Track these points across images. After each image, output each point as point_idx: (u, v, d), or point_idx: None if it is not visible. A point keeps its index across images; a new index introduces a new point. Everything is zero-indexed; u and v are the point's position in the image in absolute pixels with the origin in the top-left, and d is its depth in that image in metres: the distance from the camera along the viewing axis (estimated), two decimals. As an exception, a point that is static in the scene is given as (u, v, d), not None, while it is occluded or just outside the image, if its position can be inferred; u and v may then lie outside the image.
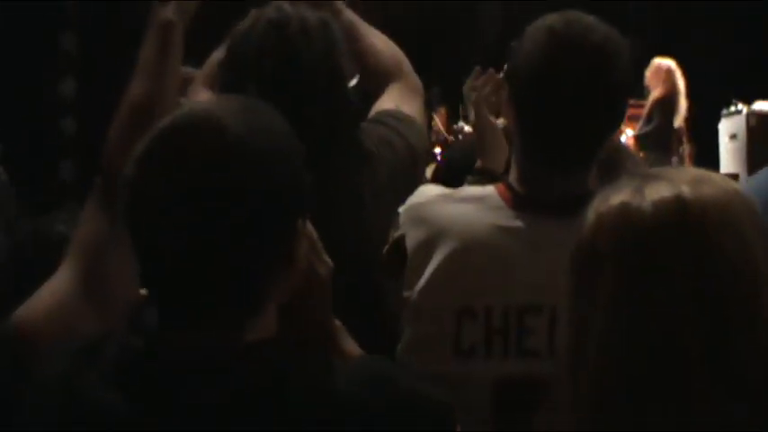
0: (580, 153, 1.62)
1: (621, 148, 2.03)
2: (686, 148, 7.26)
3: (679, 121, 7.08)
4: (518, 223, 1.59)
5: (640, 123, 7.14)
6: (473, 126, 1.94)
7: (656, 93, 7.09)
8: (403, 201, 1.69)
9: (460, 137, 6.50)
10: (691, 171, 1.11)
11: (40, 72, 7.16)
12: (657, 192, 1.05)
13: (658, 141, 6.97)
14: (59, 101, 7.31)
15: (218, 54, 2.21)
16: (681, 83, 7.08)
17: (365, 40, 2.15)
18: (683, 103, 7.05)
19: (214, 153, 1.10)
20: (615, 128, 1.64)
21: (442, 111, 7.60)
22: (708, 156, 7.20)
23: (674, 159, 7.00)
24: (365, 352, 1.35)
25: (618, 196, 1.08)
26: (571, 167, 1.62)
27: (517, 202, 1.61)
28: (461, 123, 6.87)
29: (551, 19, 1.61)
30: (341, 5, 2.16)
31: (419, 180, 1.92)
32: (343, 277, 1.34)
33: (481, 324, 1.55)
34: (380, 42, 2.17)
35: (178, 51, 1.70)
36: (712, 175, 1.11)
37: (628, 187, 1.08)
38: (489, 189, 1.66)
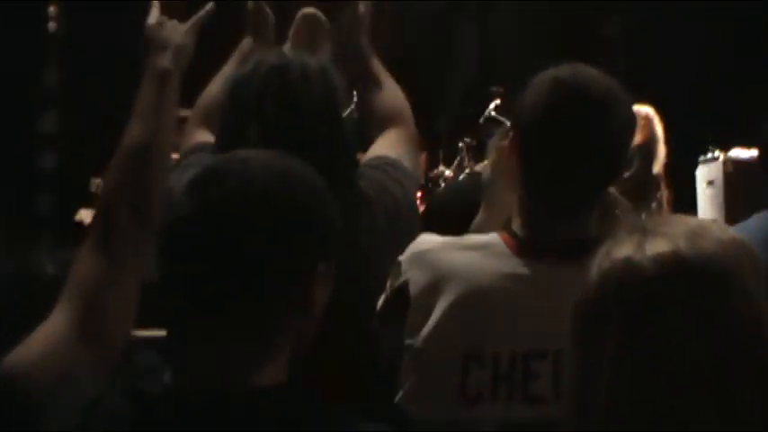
0: (582, 199, 1.67)
1: (613, 194, 2.05)
2: (664, 194, 7.32)
3: (657, 167, 7.13)
4: (522, 269, 1.62)
5: (619, 169, 7.17)
6: (486, 187, 1.96)
7: (635, 139, 7.14)
8: (399, 250, 1.72)
9: (442, 183, 6.52)
10: (688, 223, 1.15)
11: (21, 107, 7.14)
12: (657, 247, 1.10)
13: (637, 187, 7.02)
14: (39, 135, 7.29)
15: (208, 94, 2.22)
16: (659, 129, 7.15)
17: (369, 85, 2.18)
18: (661, 150, 7.11)
19: (238, 202, 1.16)
20: (617, 175, 1.68)
21: (422, 157, 7.62)
22: (685, 202, 7.26)
23: (653, 205, 7.04)
24: (360, 400, 1.36)
25: (620, 251, 1.12)
26: (573, 213, 1.66)
27: (521, 248, 1.65)
28: (442, 168, 6.88)
29: (556, 70, 1.66)
30: (362, 37, 2.20)
31: (416, 231, 1.94)
32: (335, 321, 1.34)
33: (488, 369, 1.58)
34: (388, 85, 2.20)
35: (175, 97, 1.75)
36: (709, 225, 1.15)
37: (629, 242, 1.13)
38: (493, 236, 1.69)
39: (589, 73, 1.66)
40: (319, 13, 2.16)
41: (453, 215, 2.17)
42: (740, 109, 7.65)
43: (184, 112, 2.31)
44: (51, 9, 7.33)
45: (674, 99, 7.82)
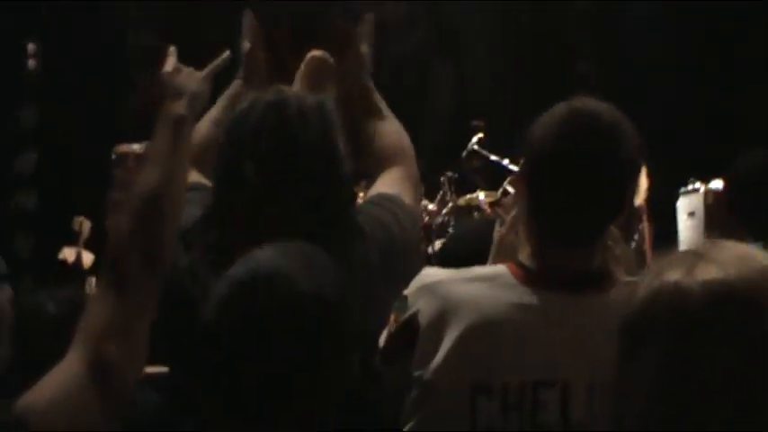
0: (589, 230, 1.69)
1: (612, 230, 2.05)
2: (645, 226, 7.35)
3: (639, 199, 7.17)
4: (531, 300, 1.63)
5: (601, 201, 7.21)
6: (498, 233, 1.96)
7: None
8: (395, 286, 1.72)
9: (426, 216, 6.52)
10: (737, 250, 1.19)
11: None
12: (707, 273, 1.14)
13: (623, 222, 7.05)
14: (18, 175, 7.25)
15: (195, 136, 2.21)
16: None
17: (370, 123, 2.19)
18: (643, 182, 7.15)
19: (286, 305, 1.31)
20: (623, 207, 1.68)
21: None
22: (666, 233, 7.29)
23: (635, 237, 7.07)
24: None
25: (671, 274, 1.16)
26: (580, 244, 1.68)
27: (529, 278, 1.65)
28: (425, 202, 6.88)
29: (567, 103, 1.69)
30: (365, 77, 2.23)
31: (414, 266, 1.93)
32: None
33: (497, 400, 1.58)
34: (389, 123, 2.21)
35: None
36: (756, 253, 1.19)
37: (681, 265, 1.16)
38: (500, 267, 1.70)
39: (598, 105, 1.68)
40: (327, 56, 2.17)
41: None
42: (721, 140, 7.73)
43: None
44: (30, 47, 7.31)
45: (655, 131, 7.88)
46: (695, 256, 1.17)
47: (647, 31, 8.16)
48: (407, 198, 2.06)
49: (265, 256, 1.38)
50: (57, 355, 1.49)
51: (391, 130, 2.20)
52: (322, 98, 1.94)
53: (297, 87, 2.13)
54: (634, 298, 1.18)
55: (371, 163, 2.14)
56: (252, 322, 1.30)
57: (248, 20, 2.26)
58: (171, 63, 1.85)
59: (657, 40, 8.05)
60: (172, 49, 1.89)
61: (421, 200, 2.17)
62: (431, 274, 1.71)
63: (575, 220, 1.66)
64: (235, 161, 1.82)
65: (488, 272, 1.71)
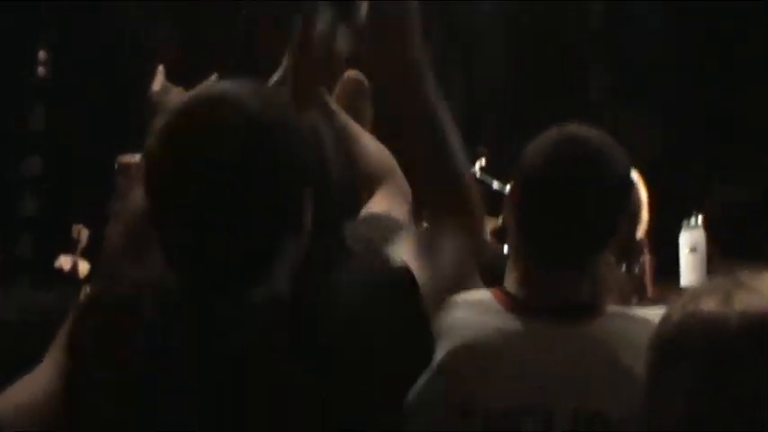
0: (576, 256, 1.68)
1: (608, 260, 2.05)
2: (647, 260, 7.32)
3: (641, 232, 7.14)
4: (515, 327, 1.63)
5: (603, 232, 7.19)
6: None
7: (618, 203, 7.16)
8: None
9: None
10: None
11: (5, 150, 7.12)
12: (746, 303, 1.14)
13: (622, 252, 7.02)
14: (23, 179, 7.26)
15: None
16: (643, 194, 7.16)
17: (356, 144, 2.17)
18: (644, 215, 7.13)
19: (234, 126, 1.21)
20: (613, 233, 1.68)
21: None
22: (668, 268, 7.26)
23: (636, 270, 7.03)
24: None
25: (709, 301, 1.16)
26: (568, 270, 1.67)
27: (514, 305, 1.66)
28: (426, 225, 6.86)
29: (557, 128, 1.69)
30: (336, 108, 2.19)
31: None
32: None
33: (479, 426, 1.57)
34: (373, 146, 2.20)
35: None
36: None
37: (718, 293, 1.16)
38: (485, 293, 1.70)
39: (588, 132, 1.69)
40: (362, 77, 2.17)
41: None
42: (721, 140, 7.73)
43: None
44: (41, 54, 7.33)
45: (657, 163, 7.87)
46: (734, 284, 1.17)
47: (647, 32, 8.17)
48: (398, 215, 2.05)
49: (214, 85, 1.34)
50: (13, 362, 1.46)
51: (375, 148, 2.18)
52: (314, 118, 1.93)
53: (334, 107, 2.15)
54: (668, 321, 1.18)
55: (359, 184, 2.14)
56: (188, 141, 1.23)
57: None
58: (159, 81, 1.84)
59: (657, 41, 8.05)
60: (160, 68, 1.89)
61: (409, 212, 2.15)
62: None
63: (562, 246, 1.65)
64: None
65: (473, 298, 1.70)
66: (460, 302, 1.67)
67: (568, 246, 1.66)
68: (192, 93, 1.31)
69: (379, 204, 2.05)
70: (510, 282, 1.70)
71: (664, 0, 8.18)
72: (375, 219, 2.00)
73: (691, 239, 7.55)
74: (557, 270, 1.66)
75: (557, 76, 8.28)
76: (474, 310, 1.65)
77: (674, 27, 8.13)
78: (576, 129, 1.70)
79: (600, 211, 1.64)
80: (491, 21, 8.67)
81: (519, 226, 1.70)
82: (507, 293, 1.68)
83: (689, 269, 7.49)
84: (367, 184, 2.13)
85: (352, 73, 2.16)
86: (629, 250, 7.10)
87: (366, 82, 2.17)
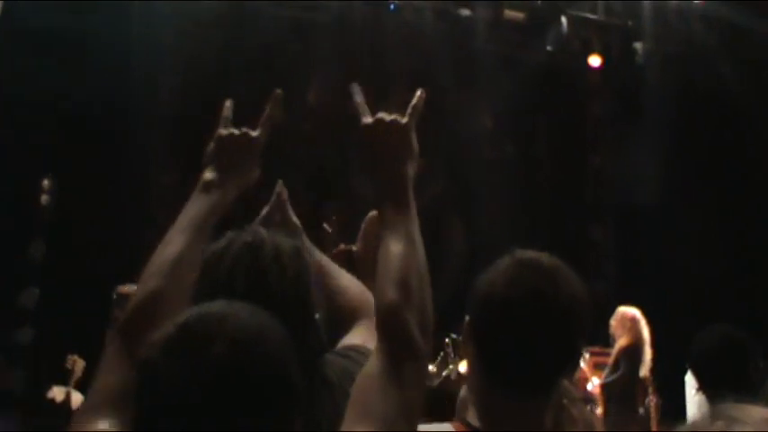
0: (536, 378, 1.64)
1: (563, 385, 2.03)
2: (652, 399, 7.21)
3: (645, 370, 7.06)
4: None
5: (606, 372, 7.11)
6: None
7: (621, 341, 7.10)
8: None
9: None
10: (762, 412, 1.20)
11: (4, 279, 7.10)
12: None
13: (624, 391, 6.93)
14: (18, 309, 7.21)
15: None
16: (646, 332, 7.11)
17: (334, 280, 2.21)
18: (648, 353, 7.05)
19: (235, 344, 1.21)
20: (572, 353, 1.66)
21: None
22: (674, 407, 7.13)
23: (641, 411, 6.92)
24: None
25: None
26: (528, 395, 1.63)
27: None
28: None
29: (509, 255, 1.70)
30: (312, 250, 2.26)
31: None
32: None
33: None
34: (348, 281, 2.23)
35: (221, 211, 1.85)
36: None
37: (714, 428, 1.18)
38: (446, 426, 1.69)
39: (540, 255, 1.70)
40: None
41: None
42: (732, 312, 7.67)
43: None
44: (45, 183, 7.39)
45: (664, 302, 7.83)
46: (727, 419, 1.18)
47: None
48: (373, 346, 2.05)
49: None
50: None
51: (350, 284, 2.22)
52: (298, 244, 1.93)
53: (358, 246, 2.15)
54: None
55: (337, 319, 2.15)
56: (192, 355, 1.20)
57: None
58: (224, 124, 1.91)
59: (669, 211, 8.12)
60: (228, 103, 1.95)
61: None
62: None
63: (521, 366, 1.62)
64: (208, 299, 1.79)
65: (434, 429, 1.69)
66: None
67: (527, 365, 1.62)
68: (190, 318, 1.28)
69: (358, 337, 2.07)
70: (471, 414, 1.66)
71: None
72: (353, 350, 2.01)
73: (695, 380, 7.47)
74: (519, 397, 1.63)
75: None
76: None
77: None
78: (528, 253, 1.71)
79: (556, 327, 1.62)
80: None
81: (477, 349, 1.66)
82: (469, 425, 1.66)
83: (695, 409, 7.38)
84: (345, 317, 2.15)
85: (374, 214, 2.24)
86: (634, 389, 7.00)
87: None
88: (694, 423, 1.21)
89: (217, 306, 1.31)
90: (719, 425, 1.17)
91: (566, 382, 2.18)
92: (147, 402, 1.20)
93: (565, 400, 1.90)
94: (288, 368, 1.26)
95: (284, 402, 1.24)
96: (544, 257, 1.70)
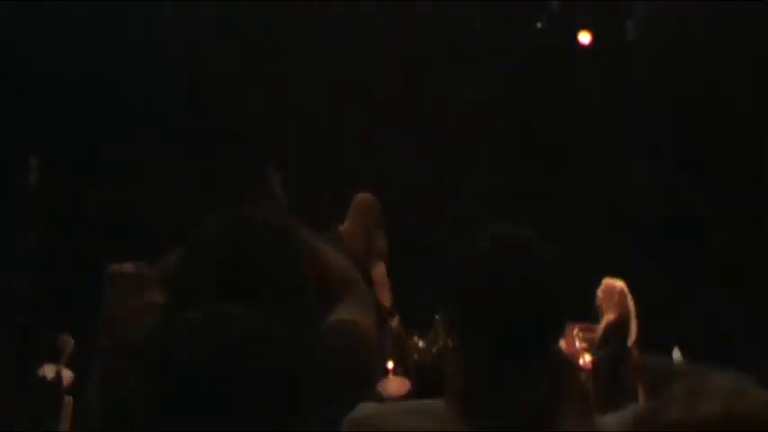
0: (522, 355, 1.66)
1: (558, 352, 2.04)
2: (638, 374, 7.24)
3: (631, 341, 7.09)
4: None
5: (595, 347, 7.14)
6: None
7: (609, 316, 7.12)
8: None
9: (415, 356, 6.45)
10: (729, 383, 1.20)
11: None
12: (708, 408, 1.15)
13: (615, 366, 6.96)
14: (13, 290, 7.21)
15: (173, 256, 2.20)
16: (631, 304, 7.14)
17: (322, 257, 2.21)
18: (633, 325, 7.09)
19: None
20: (556, 318, 1.70)
21: (394, 322, 7.54)
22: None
23: (627, 381, 6.96)
24: None
25: (670, 411, 1.16)
26: (516, 374, 1.65)
27: (465, 411, 1.64)
28: (416, 338, 6.79)
29: (483, 234, 1.75)
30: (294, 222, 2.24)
31: (366, 388, 1.95)
32: None
33: None
34: (336, 259, 2.23)
35: None
36: (748, 385, 1.20)
37: (679, 401, 1.17)
38: (437, 402, 1.70)
39: (513, 228, 1.76)
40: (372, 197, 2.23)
41: None
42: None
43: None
44: (33, 161, 7.36)
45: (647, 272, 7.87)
46: (692, 392, 1.17)
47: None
48: (363, 324, 2.07)
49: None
50: None
51: (336, 259, 2.24)
52: (287, 221, 1.97)
53: (346, 226, 2.17)
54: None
55: (323, 294, 2.17)
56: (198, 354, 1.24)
57: None
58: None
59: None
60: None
61: (372, 317, 2.21)
62: (366, 407, 1.72)
63: (510, 337, 1.65)
64: (193, 285, 1.78)
65: (424, 405, 1.71)
66: (411, 410, 1.70)
67: (511, 334, 1.65)
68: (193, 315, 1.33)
69: (346, 312, 2.09)
70: (459, 389, 1.69)
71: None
72: (342, 324, 2.04)
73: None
74: (504, 371, 1.65)
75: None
76: (423, 418, 1.65)
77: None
78: (501, 227, 1.77)
79: (538, 293, 1.66)
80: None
81: (459, 340, 1.70)
82: (458, 399, 1.68)
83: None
84: (331, 292, 2.15)
85: (363, 195, 2.24)
86: (624, 363, 7.04)
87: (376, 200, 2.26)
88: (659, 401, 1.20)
89: (219, 308, 1.35)
90: (681, 402, 1.16)
91: (561, 350, 2.21)
92: (153, 404, 1.24)
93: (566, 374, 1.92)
94: (297, 371, 1.30)
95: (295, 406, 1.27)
96: (517, 230, 1.75)
